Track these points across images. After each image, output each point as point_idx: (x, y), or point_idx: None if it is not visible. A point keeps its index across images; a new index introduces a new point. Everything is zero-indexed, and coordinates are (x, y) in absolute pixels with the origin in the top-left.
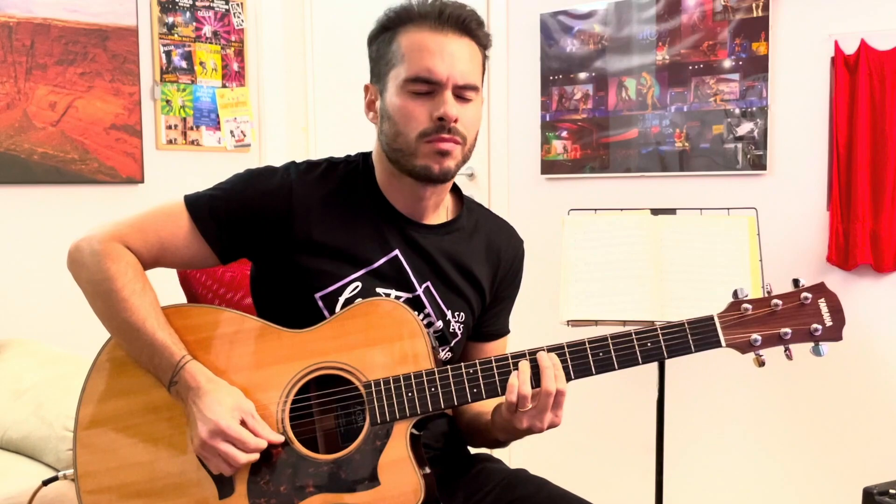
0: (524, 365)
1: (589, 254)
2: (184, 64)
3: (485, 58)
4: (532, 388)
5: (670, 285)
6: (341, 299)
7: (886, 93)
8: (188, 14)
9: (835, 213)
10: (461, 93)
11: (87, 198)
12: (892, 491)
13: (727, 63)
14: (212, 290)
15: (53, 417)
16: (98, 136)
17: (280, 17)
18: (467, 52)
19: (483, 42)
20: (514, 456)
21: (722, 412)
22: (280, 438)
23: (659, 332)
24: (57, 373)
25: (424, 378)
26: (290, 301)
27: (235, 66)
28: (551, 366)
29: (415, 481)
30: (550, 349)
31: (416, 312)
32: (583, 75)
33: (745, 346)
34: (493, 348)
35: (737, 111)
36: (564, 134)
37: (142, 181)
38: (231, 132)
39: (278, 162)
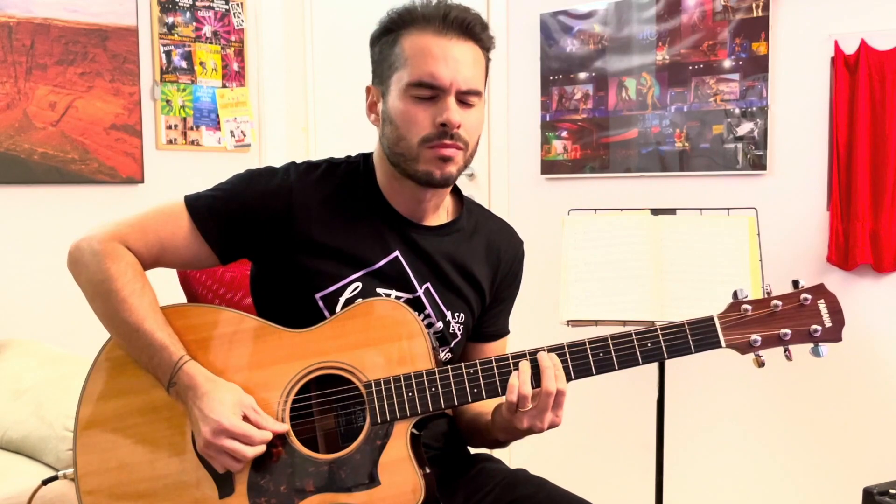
0: (524, 365)
1: (589, 254)
2: (184, 64)
3: (488, 61)
4: (532, 388)
5: (670, 285)
6: (342, 300)
7: (886, 93)
8: (188, 14)
9: (835, 213)
10: (464, 98)
11: (87, 198)
12: (892, 491)
13: (727, 63)
14: (212, 290)
15: (53, 417)
16: (98, 136)
17: (280, 17)
18: (471, 57)
19: (487, 45)
20: (514, 456)
21: (722, 412)
22: (285, 428)
23: (659, 332)
24: (57, 373)
25: (425, 378)
26: (290, 301)
27: (235, 66)
28: (552, 366)
29: (415, 481)
30: (551, 349)
31: (417, 313)
32: (583, 75)
33: (744, 347)
34: (493, 349)
35: (737, 111)
36: (564, 134)
37: (142, 181)
38: (231, 132)
39: (278, 162)
